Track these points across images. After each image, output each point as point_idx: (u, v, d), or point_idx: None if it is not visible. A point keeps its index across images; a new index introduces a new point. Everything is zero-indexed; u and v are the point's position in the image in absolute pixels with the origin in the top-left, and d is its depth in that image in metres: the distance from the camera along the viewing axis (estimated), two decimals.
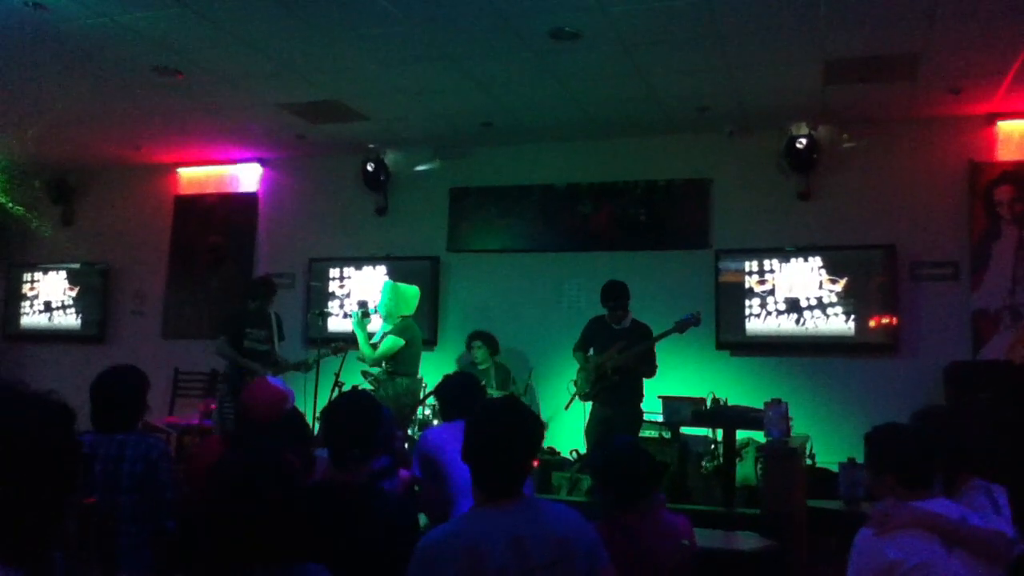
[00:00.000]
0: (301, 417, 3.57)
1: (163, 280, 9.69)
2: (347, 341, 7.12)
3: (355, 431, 2.87)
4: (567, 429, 7.14)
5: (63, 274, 10.01)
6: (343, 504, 2.72)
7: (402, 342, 6.78)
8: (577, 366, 6.59)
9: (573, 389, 6.54)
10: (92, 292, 9.87)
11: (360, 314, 7.09)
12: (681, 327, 6.32)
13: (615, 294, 6.42)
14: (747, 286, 7.71)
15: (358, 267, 8.87)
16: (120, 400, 3.50)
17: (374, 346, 6.93)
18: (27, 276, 10.17)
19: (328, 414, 3.02)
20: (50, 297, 10.06)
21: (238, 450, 3.04)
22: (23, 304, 10.16)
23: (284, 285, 8.95)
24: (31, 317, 10.13)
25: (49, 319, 10.05)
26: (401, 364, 6.84)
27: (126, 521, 3.30)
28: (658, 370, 6.42)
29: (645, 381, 6.46)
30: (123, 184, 10.00)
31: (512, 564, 2.27)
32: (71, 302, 9.95)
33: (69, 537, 1.55)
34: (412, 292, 7.19)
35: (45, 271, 10.10)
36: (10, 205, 8.47)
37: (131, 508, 3.32)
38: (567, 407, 6.55)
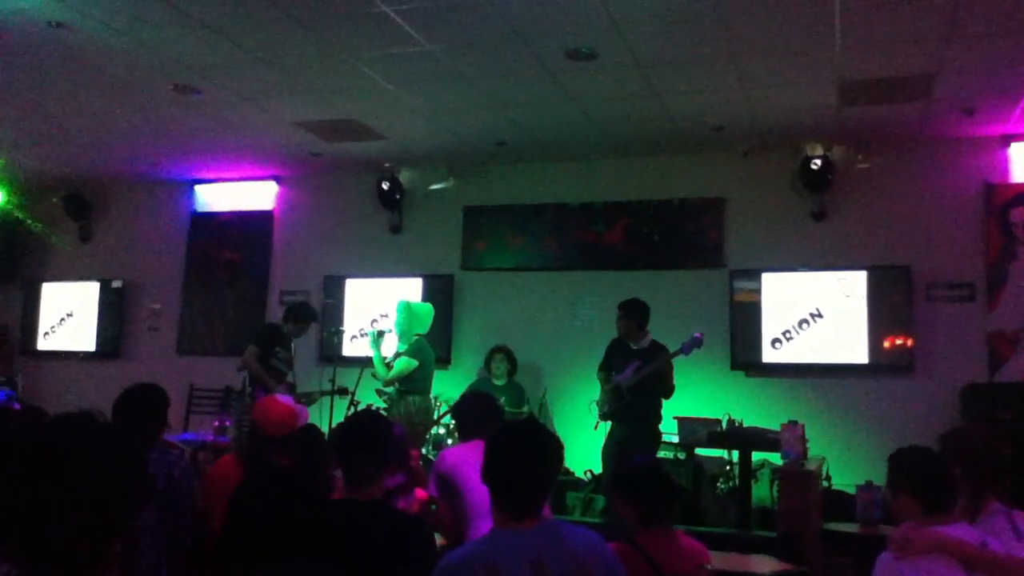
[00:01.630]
0: (319, 435, 3.58)
1: (179, 297, 9.75)
2: (343, 390, 7.06)
3: (366, 449, 2.88)
4: (581, 449, 7.14)
5: (80, 290, 10.07)
6: (357, 521, 2.73)
7: (415, 363, 6.78)
8: (598, 390, 6.61)
9: (596, 410, 6.53)
10: (108, 308, 9.92)
11: (376, 333, 7.10)
12: (686, 349, 6.28)
13: (622, 306, 6.50)
14: (762, 306, 7.69)
15: (372, 285, 8.90)
16: (142, 417, 3.53)
17: (388, 366, 6.94)
18: (44, 292, 10.23)
19: (338, 433, 3.03)
20: (67, 313, 10.13)
21: (253, 468, 3.07)
22: (40, 320, 10.21)
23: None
24: (48, 333, 10.19)
25: (66, 335, 10.10)
26: (413, 383, 6.83)
27: (145, 537, 3.31)
28: (675, 391, 6.38)
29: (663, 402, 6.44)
30: (140, 201, 10.09)
31: None
32: (87, 318, 10.00)
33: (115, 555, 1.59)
34: (426, 310, 7.21)
35: (62, 287, 10.16)
36: (28, 221, 8.54)
37: (151, 524, 3.33)
38: (596, 427, 6.53)
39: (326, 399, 6.93)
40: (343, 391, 6.98)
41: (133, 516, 1.56)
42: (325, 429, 6.07)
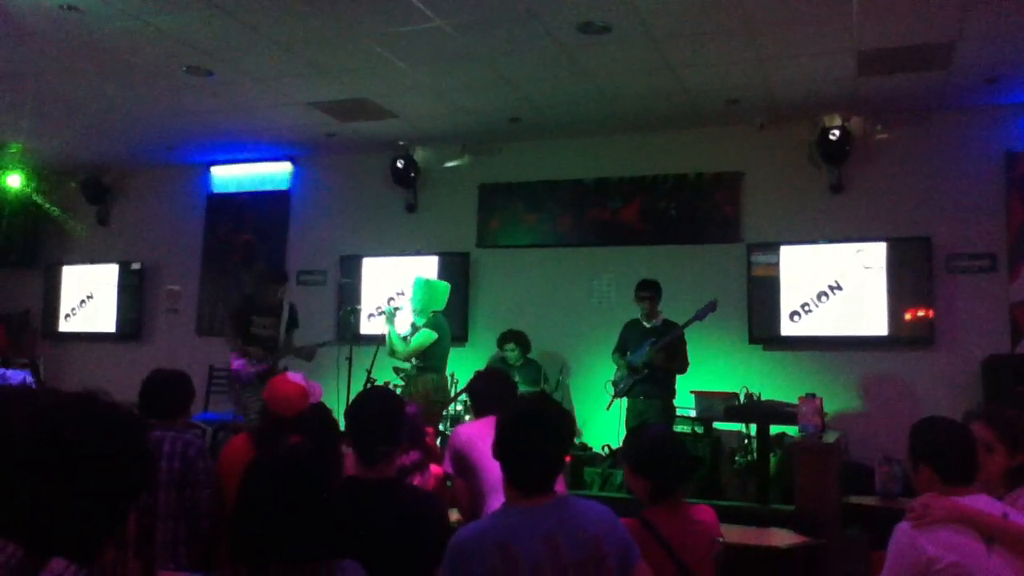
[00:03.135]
0: (328, 413, 3.59)
1: (197, 278, 9.81)
2: (355, 336, 7.12)
3: (379, 426, 2.88)
4: (599, 425, 7.14)
5: (99, 273, 10.15)
6: (371, 499, 2.73)
7: (435, 336, 6.77)
8: (614, 368, 6.67)
9: (611, 390, 6.59)
10: (128, 291, 10.00)
11: (392, 310, 7.11)
12: (700, 315, 6.37)
13: (641, 285, 6.69)
14: (780, 280, 7.63)
15: (388, 264, 8.91)
16: (165, 405, 3.59)
17: (406, 340, 6.93)
18: (65, 275, 10.32)
19: (351, 411, 3.02)
20: (87, 296, 10.21)
21: (266, 449, 3.07)
22: (61, 303, 10.31)
23: (316, 282, 9.09)
24: (69, 315, 10.28)
25: (86, 318, 10.19)
26: (430, 360, 6.83)
27: (163, 518, 3.34)
28: (691, 365, 6.42)
29: (679, 377, 6.49)
30: (157, 183, 10.14)
31: (545, 561, 2.26)
32: (107, 301, 10.08)
33: (122, 536, 1.59)
34: (443, 288, 7.19)
35: (82, 270, 10.24)
36: (47, 206, 8.60)
37: (168, 505, 3.36)
38: (608, 407, 6.59)
39: (343, 379, 6.92)
40: (356, 337, 7.00)
41: (133, 499, 1.55)
42: (342, 406, 6.10)
